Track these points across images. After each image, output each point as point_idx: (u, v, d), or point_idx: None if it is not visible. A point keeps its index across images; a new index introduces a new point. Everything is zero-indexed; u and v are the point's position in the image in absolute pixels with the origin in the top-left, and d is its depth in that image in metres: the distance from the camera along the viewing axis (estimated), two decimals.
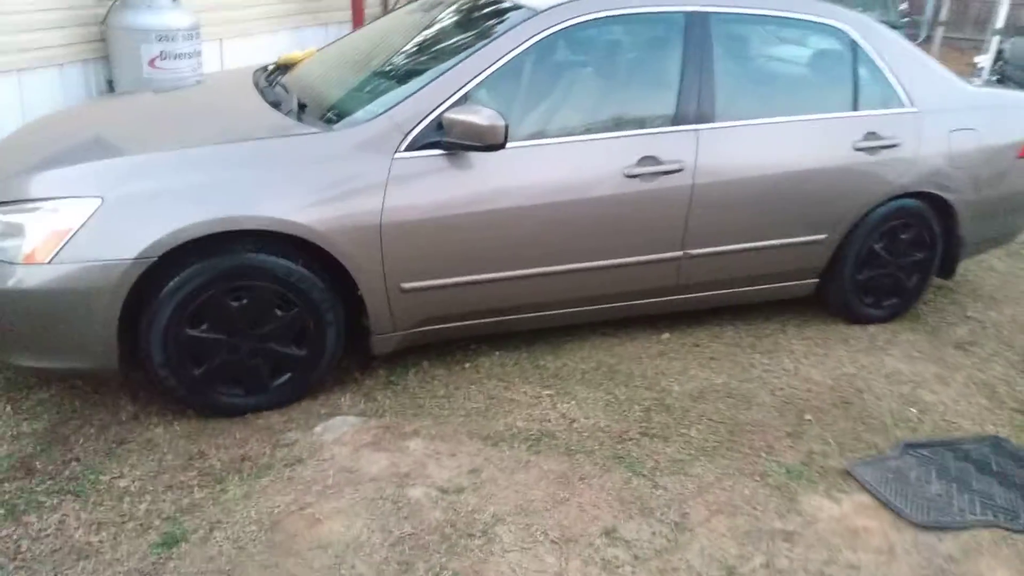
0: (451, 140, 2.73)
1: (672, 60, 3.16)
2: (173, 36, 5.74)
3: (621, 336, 3.45)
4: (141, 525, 2.22)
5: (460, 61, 2.88)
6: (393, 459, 2.47)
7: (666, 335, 3.50)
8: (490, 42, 2.92)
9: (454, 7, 3.45)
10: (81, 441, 2.61)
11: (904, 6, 15.73)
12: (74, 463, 2.51)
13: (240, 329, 2.69)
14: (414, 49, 3.29)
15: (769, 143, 3.27)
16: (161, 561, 2.06)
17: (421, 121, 2.76)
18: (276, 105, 3.06)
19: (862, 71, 3.47)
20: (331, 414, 2.77)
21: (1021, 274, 4.66)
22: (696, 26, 3.17)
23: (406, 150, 2.74)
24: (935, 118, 3.56)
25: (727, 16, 3.26)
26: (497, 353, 3.25)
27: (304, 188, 2.63)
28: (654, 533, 2.22)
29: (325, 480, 2.36)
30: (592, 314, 3.30)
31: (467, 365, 3.15)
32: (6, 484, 2.39)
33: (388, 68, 3.23)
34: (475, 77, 2.84)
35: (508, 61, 2.90)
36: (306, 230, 2.61)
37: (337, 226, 2.65)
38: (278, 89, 3.27)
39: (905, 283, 3.77)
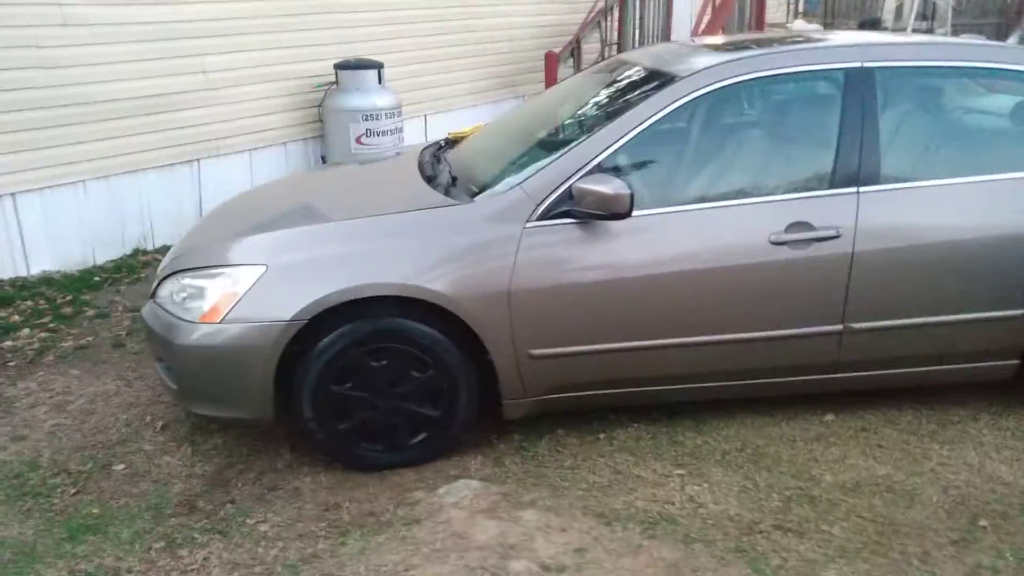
0: (579, 209, 2.75)
1: (828, 120, 2.96)
2: (377, 115, 6.35)
3: (776, 415, 3.21)
4: (267, 570, 2.39)
5: (595, 132, 2.91)
6: (504, 528, 2.47)
7: (830, 417, 3.20)
8: (627, 111, 2.93)
9: (605, 78, 3.51)
10: (239, 485, 2.88)
11: None
12: (229, 505, 2.77)
13: (380, 388, 2.85)
14: (562, 121, 3.37)
15: (943, 207, 2.94)
16: None
17: (553, 191, 2.81)
18: (431, 180, 3.26)
19: None
20: (459, 476, 2.83)
21: None
22: (857, 83, 2.95)
23: (538, 219, 2.80)
24: None
25: (895, 71, 3.01)
26: (635, 425, 3.15)
27: (438, 257, 2.76)
28: None
29: (435, 543, 2.41)
30: (739, 390, 3.11)
31: (601, 436, 3.08)
32: (172, 519, 2.69)
33: (534, 140, 3.34)
34: (610, 146, 2.85)
35: (645, 129, 2.88)
36: (437, 295, 2.73)
37: (467, 292, 2.75)
38: (438, 164, 3.49)
39: None
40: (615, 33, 9.07)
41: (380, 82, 6.44)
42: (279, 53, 6.13)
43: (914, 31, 10.18)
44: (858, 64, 2.97)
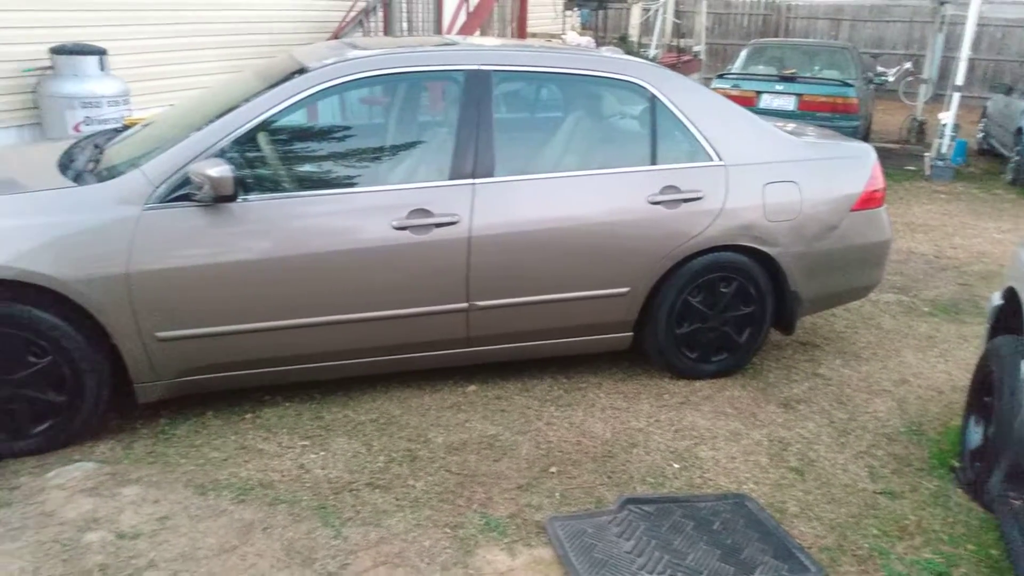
0: (195, 192, 2.82)
1: (449, 117, 3.23)
2: (98, 103, 6.07)
3: (425, 387, 3.45)
4: None
5: (220, 119, 3.00)
6: (98, 504, 2.50)
7: (472, 387, 3.48)
8: (252, 100, 3.04)
9: (264, 70, 3.60)
10: None
11: (908, 65, 15.74)
12: None
13: None
14: (210, 110, 3.41)
15: (552, 197, 3.28)
16: None
17: (172, 175, 2.86)
18: (70, 163, 3.21)
19: (662, 125, 3.48)
20: (82, 459, 2.82)
21: (907, 332, 4.52)
22: (476, 84, 3.23)
23: (156, 203, 2.85)
24: (745, 171, 3.54)
25: (511, 74, 3.33)
26: (287, 404, 3.27)
27: (49, 238, 2.73)
28: None
29: (15, 523, 2.40)
30: (382, 365, 3.30)
31: (248, 416, 3.18)
32: None
33: (180, 128, 3.36)
34: (230, 134, 2.95)
35: (269, 117, 3.01)
36: (44, 278, 2.70)
37: (83, 276, 2.75)
38: (88, 150, 3.43)
39: (735, 338, 3.69)
40: (381, 33, 9.21)
41: (103, 68, 6.18)
42: None
43: (659, 47, 11.13)
44: (476, 66, 3.26)
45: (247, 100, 3.05)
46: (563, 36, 12.94)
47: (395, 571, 2.25)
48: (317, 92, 3.05)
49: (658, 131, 3.47)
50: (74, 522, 2.41)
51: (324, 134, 3.21)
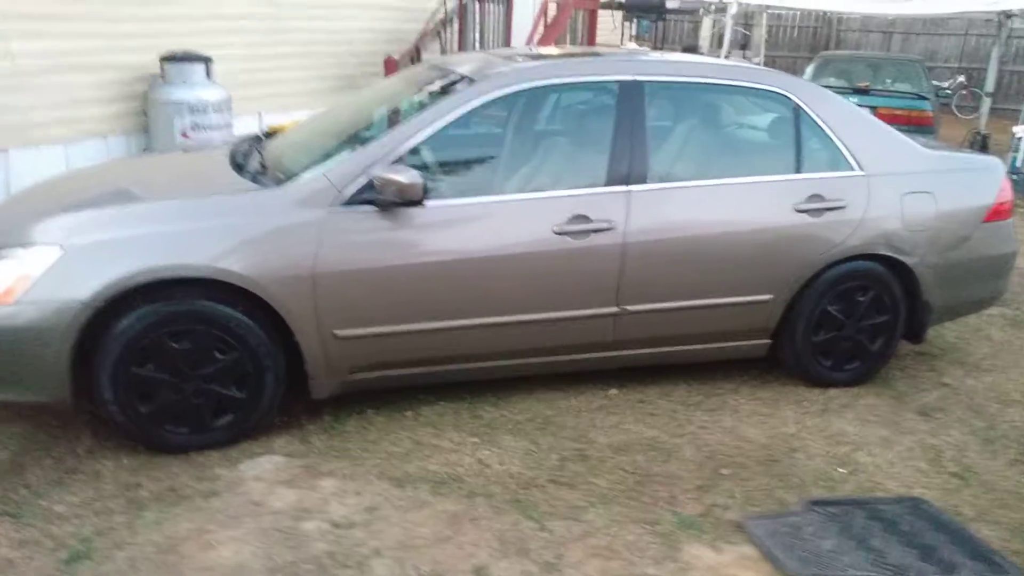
0: (379, 197, 2.94)
1: (605, 126, 3.32)
2: (204, 109, 6.27)
3: (568, 390, 3.53)
4: (58, 544, 2.40)
5: (397, 126, 3.12)
6: (301, 496, 2.61)
7: (614, 391, 3.56)
8: (427, 109, 3.16)
9: (415, 79, 3.73)
10: (36, 470, 2.84)
11: (962, 78, 15.66)
12: (23, 489, 2.73)
13: (183, 370, 2.90)
14: (371, 117, 3.56)
15: (702, 204, 3.37)
16: (60, 575, 2.24)
17: (355, 180, 2.99)
18: (241, 168, 3.35)
19: (806, 135, 3.56)
20: (264, 453, 2.94)
21: (1019, 344, 4.53)
22: (630, 94, 3.33)
23: (340, 205, 2.97)
24: (885, 181, 3.59)
25: (662, 84, 3.43)
26: (441, 403, 3.37)
27: (241, 239, 2.86)
28: (523, 571, 2.28)
29: (231, 511, 2.52)
30: (532, 367, 3.40)
31: (408, 413, 3.28)
32: None
33: (344, 134, 3.50)
34: (409, 140, 3.07)
35: (444, 125, 3.12)
36: (239, 277, 2.83)
37: (271, 274, 2.87)
38: (251, 155, 3.58)
39: (868, 347, 3.74)
40: (456, 43, 9.38)
41: (208, 76, 6.37)
42: (96, 43, 5.93)
43: (724, 58, 11.18)
44: (631, 77, 3.36)
45: (421, 110, 3.17)
46: (622, 46, 13.04)
47: (609, 563, 2.34)
48: (489, 101, 3.17)
49: (802, 140, 3.55)
50: (286, 511, 2.52)
51: (490, 141, 3.32)
